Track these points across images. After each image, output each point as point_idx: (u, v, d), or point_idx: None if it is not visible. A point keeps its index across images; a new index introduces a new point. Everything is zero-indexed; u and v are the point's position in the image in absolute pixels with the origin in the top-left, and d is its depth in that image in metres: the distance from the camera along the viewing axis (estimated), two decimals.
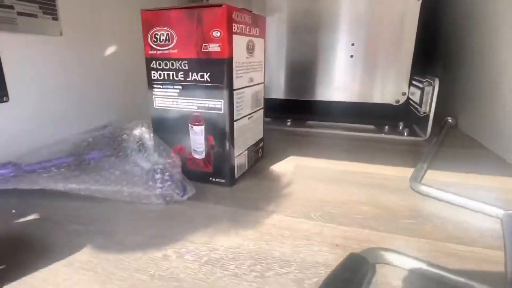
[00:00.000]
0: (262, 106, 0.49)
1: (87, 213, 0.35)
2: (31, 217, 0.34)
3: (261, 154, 0.51)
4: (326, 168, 0.49)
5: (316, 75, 0.78)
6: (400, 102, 0.74)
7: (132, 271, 0.26)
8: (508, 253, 0.27)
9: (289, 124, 0.75)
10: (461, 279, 0.23)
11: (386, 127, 0.70)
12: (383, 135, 0.67)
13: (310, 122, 0.76)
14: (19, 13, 0.46)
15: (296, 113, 0.80)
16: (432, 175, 0.45)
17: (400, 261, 0.26)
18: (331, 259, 0.27)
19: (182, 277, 0.25)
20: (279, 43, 0.78)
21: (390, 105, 0.74)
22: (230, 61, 0.37)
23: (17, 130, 0.47)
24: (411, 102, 0.71)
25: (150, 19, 0.38)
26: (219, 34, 0.36)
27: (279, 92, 0.82)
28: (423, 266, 0.25)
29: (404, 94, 0.73)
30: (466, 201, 0.36)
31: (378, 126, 0.72)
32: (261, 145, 0.50)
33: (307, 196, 0.39)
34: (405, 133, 0.66)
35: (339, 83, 0.77)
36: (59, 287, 0.24)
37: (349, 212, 0.35)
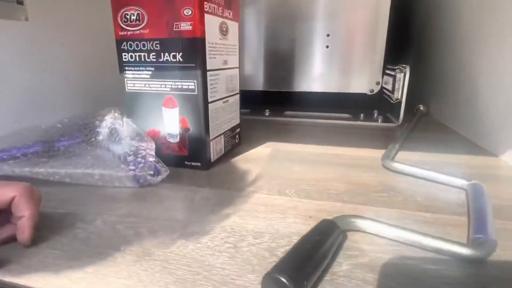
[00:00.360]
0: (238, 91, 0.49)
1: (57, 197, 0.33)
2: None
3: (238, 140, 0.51)
4: (301, 151, 0.49)
5: (294, 66, 0.79)
6: (375, 92, 0.76)
7: (102, 248, 0.25)
8: (471, 216, 0.28)
9: (267, 114, 0.75)
10: (428, 239, 0.24)
11: (362, 115, 0.71)
12: (358, 123, 0.68)
13: (288, 112, 0.77)
14: None
15: (274, 104, 0.81)
16: (403, 155, 0.47)
17: (370, 227, 0.26)
18: (304, 229, 0.27)
19: (153, 251, 0.24)
20: (258, 35, 0.79)
21: (365, 94, 0.76)
22: (202, 40, 0.37)
23: None
24: (385, 90, 0.73)
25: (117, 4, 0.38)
26: (190, 12, 0.35)
27: (258, 83, 0.82)
28: (392, 230, 0.25)
29: (378, 83, 0.75)
30: (434, 175, 0.37)
31: (354, 114, 0.73)
32: (238, 130, 0.50)
33: (282, 175, 0.39)
34: (379, 120, 0.67)
35: (315, 74, 0.78)
36: (27, 266, 0.23)
37: (323, 188, 0.35)
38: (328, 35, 0.75)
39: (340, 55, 0.75)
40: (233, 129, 0.48)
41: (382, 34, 0.72)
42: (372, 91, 0.76)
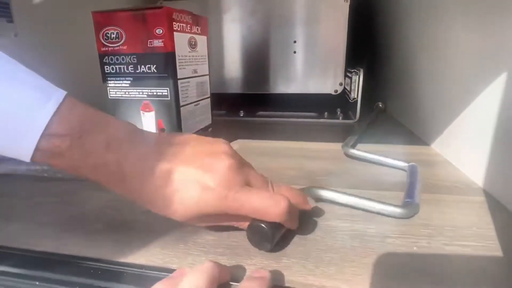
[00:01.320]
0: (209, 95, 0.56)
1: (52, 191, 0.39)
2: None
3: None
4: (267, 146, 0.56)
5: (266, 70, 0.86)
6: (338, 92, 0.84)
7: (92, 222, 0.31)
8: (405, 187, 0.36)
9: (241, 115, 0.82)
10: (371, 203, 0.32)
11: (326, 113, 0.79)
12: (322, 120, 0.76)
13: (261, 113, 0.84)
14: None
15: (249, 105, 0.88)
16: (358, 146, 0.54)
17: (327, 195, 0.34)
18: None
19: (132, 226, 0.31)
20: (232, 41, 0.86)
21: (329, 94, 0.84)
22: (172, 54, 0.44)
23: None
24: (346, 91, 0.82)
25: (101, 20, 0.44)
26: (161, 31, 0.42)
27: (233, 86, 0.89)
28: (344, 197, 0.33)
29: (341, 84, 0.83)
30: (382, 159, 0.45)
31: (320, 113, 0.81)
32: (209, 130, 0.57)
33: None
34: (340, 117, 0.75)
35: (286, 77, 0.86)
36: (30, 238, 0.29)
37: (277, 174, 0.43)
38: (295, 42, 0.83)
39: (306, 59, 0.83)
40: (205, 129, 0.55)
41: (343, 40, 0.80)
42: (336, 91, 0.84)
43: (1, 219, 0.33)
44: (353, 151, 0.48)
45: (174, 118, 0.46)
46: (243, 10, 0.85)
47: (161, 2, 0.88)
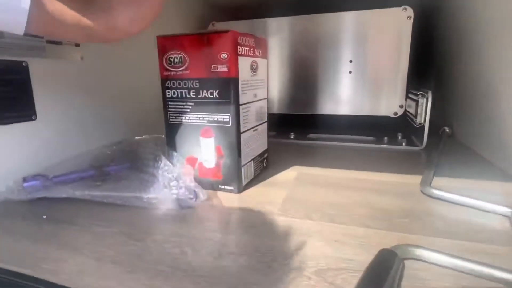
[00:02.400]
0: (266, 120, 0.53)
1: (110, 217, 0.39)
2: (61, 222, 0.38)
3: (266, 164, 0.55)
4: (326, 175, 0.52)
5: (318, 91, 0.83)
6: (398, 114, 0.78)
7: (153, 263, 0.29)
8: None
9: (292, 137, 0.79)
10: (484, 268, 0.26)
11: (385, 138, 0.73)
12: (382, 146, 0.70)
13: (312, 135, 0.80)
14: (48, 41, 0.52)
15: (299, 126, 0.84)
16: (438, 181, 0.47)
17: (428, 256, 0.28)
18: (330, 252, 0.30)
19: (198, 268, 0.28)
20: (282, 61, 0.84)
21: (388, 117, 0.78)
22: (236, 80, 0.42)
23: (43, 145, 0.52)
24: (408, 114, 0.75)
25: (165, 44, 0.43)
26: (226, 56, 0.41)
27: (283, 107, 0.87)
28: (450, 260, 0.27)
29: (401, 106, 0.77)
30: (475, 202, 0.38)
31: (378, 137, 0.75)
32: (266, 155, 0.54)
33: (308, 199, 0.42)
34: (403, 143, 0.69)
35: (339, 97, 0.81)
36: (90, 277, 0.27)
37: (346, 213, 0.38)
38: (351, 61, 0.79)
39: (363, 80, 0.79)
40: (261, 154, 0.52)
41: (404, 58, 0.75)
42: (396, 114, 0.78)
43: (63, 250, 0.32)
44: (437, 192, 0.41)
45: (234, 145, 0.43)
46: (294, 28, 0.82)
47: (213, 24, 0.89)
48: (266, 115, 0.53)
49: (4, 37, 0.46)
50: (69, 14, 0.28)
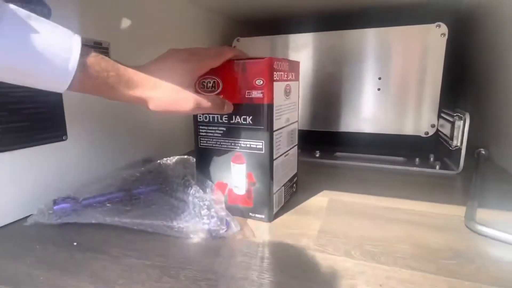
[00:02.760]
0: (296, 143, 0.52)
1: (142, 247, 0.38)
2: (91, 250, 0.37)
3: (295, 189, 0.53)
4: (359, 203, 0.50)
5: (344, 107, 0.81)
6: (430, 134, 0.74)
7: None
8: None
9: (317, 155, 0.77)
10: None
11: (417, 159, 0.70)
12: (414, 168, 0.67)
13: (338, 154, 0.78)
14: None
15: (324, 144, 0.82)
16: (482, 214, 0.44)
17: None
18: None
19: None
20: (307, 77, 0.82)
21: (419, 137, 0.75)
22: (271, 106, 0.40)
23: (73, 165, 0.52)
24: (441, 134, 0.72)
25: None
26: (261, 82, 0.39)
27: (307, 123, 0.85)
28: None
29: (433, 126, 0.74)
30: None
31: (408, 158, 0.72)
32: (295, 180, 0.52)
33: (344, 232, 0.40)
34: (437, 166, 0.66)
35: (366, 115, 0.79)
36: None
37: (389, 251, 0.36)
38: (379, 78, 0.76)
39: (392, 98, 0.76)
40: (291, 179, 0.51)
41: (437, 77, 0.72)
42: (427, 133, 0.74)
43: (95, 285, 0.31)
44: (485, 230, 0.38)
45: (267, 172, 0.42)
46: (320, 44, 0.81)
47: (238, 39, 0.89)
48: (296, 138, 0.52)
49: None
50: (109, 85, 0.31)
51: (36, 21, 0.27)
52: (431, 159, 0.71)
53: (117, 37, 0.59)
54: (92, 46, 0.54)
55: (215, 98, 0.39)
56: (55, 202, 0.44)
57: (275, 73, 0.40)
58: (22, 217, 0.44)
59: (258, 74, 0.39)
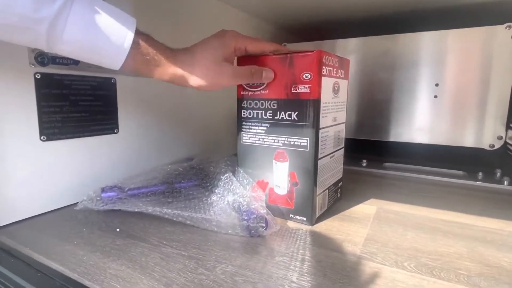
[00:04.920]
0: (343, 145, 0.49)
1: (180, 238, 0.37)
2: (132, 237, 0.38)
3: (340, 195, 0.50)
4: (413, 214, 0.45)
5: (394, 116, 0.76)
6: (496, 147, 0.66)
7: None
8: None
9: (364, 165, 0.72)
10: None
11: (480, 174, 0.62)
12: (477, 183, 0.60)
13: (388, 164, 0.72)
14: None
15: (371, 153, 0.77)
16: None
17: None
18: None
19: None
20: (355, 83, 0.79)
21: (482, 149, 0.67)
22: (318, 101, 0.38)
23: (121, 157, 0.54)
24: (510, 147, 0.64)
25: (245, 64, 0.42)
26: (309, 76, 0.38)
27: (354, 131, 0.81)
28: None
29: (500, 138, 0.66)
30: None
31: (469, 172, 0.65)
32: (340, 185, 0.49)
33: (395, 243, 0.36)
34: (505, 182, 0.58)
35: (421, 124, 0.73)
36: None
37: (449, 267, 0.31)
38: (437, 85, 0.70)
39: (451, 106, 0.69)
40: (336, 184, 0.48)
41: (505, 82, 0.64)
42: (492, 146, 0.67)
43: (133, 269, 0.31)
44: None
45: (311, 171, 0.40)
46: (371, 49, 0.77)
47: (285, 45, 0.89)
48: (343, 140, 0.49)
49: None
50: (156, 61, 0.34)
51: (99, 4, 0.30)
52: (498, 174, 0.63)
53: (169, 37, 0.61)
54: None
55: (252, 67, 0.39)
56: (103, 190, 0.46)
57: (323, 67, 0.39)
58: (74, 202, 0.46)
59: (305, 68, 0.38)
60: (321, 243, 0.36)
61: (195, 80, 0.36)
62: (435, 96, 0.71)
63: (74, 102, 0.47)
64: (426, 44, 0.71)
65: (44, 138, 0.43)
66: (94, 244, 0.36)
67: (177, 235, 0.38)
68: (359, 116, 0.80)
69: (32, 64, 0.42)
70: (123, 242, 0.37)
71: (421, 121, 0.73)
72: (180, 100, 0.66)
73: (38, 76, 0.42)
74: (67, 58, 0.45)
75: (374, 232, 0.39)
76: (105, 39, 0.30)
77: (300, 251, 0.35)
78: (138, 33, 0.32)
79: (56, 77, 0.44)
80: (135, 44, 0.31)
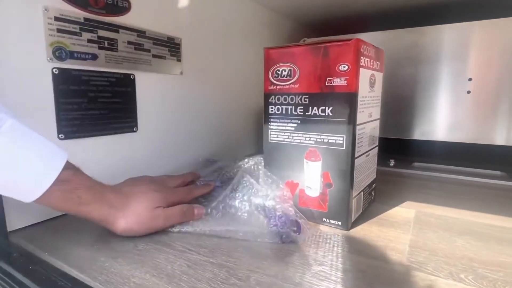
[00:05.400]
0: (377, 144, 0.45)
1: (205, 244, 0.35)
2: (155, 242, 0.35)
3: (374, 197, 0.46)
4: (455, 218, 0.41)
5: (422, 113, 0.71)
6: None
7: None
8: None
9: (392, 164, 0.68)
10: None
11: None
12: None
13: (417, 164, 0.68)
14: (154, 56, 0.53)
15: (398, 152, 0.73)
16: None
17: None
18: None
19: None
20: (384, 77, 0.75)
21: None
22: (355, 95, 0.35)
23: (141, 157, 0.52)
24: None
25: (274, 56, 0.40)
26: (346, 67, 0.35)
27: (380, 129, 0.77)
28: None
29: None
30: None
31: (509, 172, 0.60)
32: (374, 186, 0.46)
33: (445, 251, 0.33)
34: None
35: (452, 121, 0.69)
36: None
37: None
38: (470, 79, 0.66)
39: (486, 101, 0.65)
40: (370, 185, 0.44)
41: None
42: None
43: (159, 278, 0.28)
44: None
45: (347, 172, 0.36)
46: (397, 43, 0.73)
47: (304, 40, 0.85)
48: (377, 138, 0.45)
49: (118, 51, 0.47)
50: (80, 199, 0.31)
51: (27, 138, 0.29)
52: None
53: (188, 34, 0.59)
54: (165, 41, 0.55)
55: (183, 206, 0.38)
56: None
57: (361, 58, 0.35)
58: None
59: (342, 59, 0.35)
60: (361, 250, 0.33)
61: (123, 226, 0.34)
62: (468, 92, 0.66)
63: (93, 99, 0.45)
64: (456, 36, 0.66)
65: (62, 136, 0.41)
66: (116, 249, 0.34)
67: (203, 241, 0.35)
68: (385, 113, 0.76)
69: (50, 59, 0.40)
70: (145, 247, 0.34)
71: (453, 118, 0.68)
72: (200, 99, 0.64)
73: (56, 71, 0.40)
74: (85, 53, 0.43)
75: (418, 238, 0.36)
76: (22, 176, 0.28)
77: (339, 259, 0.31)
78: (65, 168, 0.30)
79: (74, 72, 0.42)
80: (58, 181, 0.29)
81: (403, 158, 0.70)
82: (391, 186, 0.55)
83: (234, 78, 0.72)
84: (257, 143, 0.80)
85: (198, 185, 0.47)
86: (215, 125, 0.68)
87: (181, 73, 0.59)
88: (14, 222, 0.38)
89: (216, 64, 0.67)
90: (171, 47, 0.56)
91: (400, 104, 0.74)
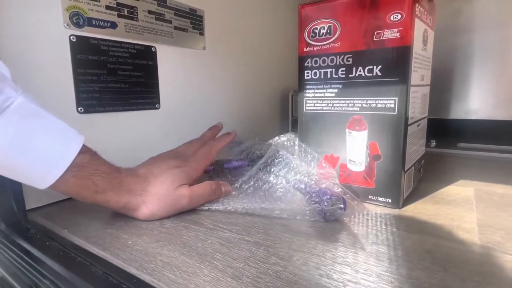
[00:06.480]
0: (427, 114, 0.40)
1: (237, 221, 0.31)
2: (182, 219, 0.32)
3: (422, 174, 0.41)
4: None
5: (470, 89, 0.65)
6: None
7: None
8: None
9: (433, 145, 0.62)
10: None
11: None
12: None
13: (463, 144, 0.62)
14: (175, 27, 0.50)
15: (438, 133, 0.67)
16: None
17: None
18: None
19: None
20: None
21: None
22: (409, 49, 0.30)
23: (163, 135, 0.49)
24: None
25: (311, 13, 0.35)
26: (399, 17, 0.30)
27: None
28: None
29: None
30: None
31: None
32: (422, 162, 0.41)
33: None
34: None
35: (501, 97, 0.61)
36: None
37: None
38: None
39: None
40: (419, 160, 0.39)
41: None
42: None
43: (190, 257, 0.24)
44: None
45: (400, 141, 0.32)
46: (441, 10, 0.66)
47: None
48: (427, 107, 0.40)
49: (138, 20, 0.44)
50: (97, 187, 0.28)
51: (38, 119, 0.26)
52: None
53: (210, 6, 0.55)
54: (187, 12, 0.51)
55: (211, 184, 0.35)
56: None
57: (417, 5, 0.30)
58: None
59: (394, 6, 0.30)
60: (421, 229, 0.28)
61: (145, 213, 0.31)
62: None
63: (113, 71, 0.42)
64: (505, 0, 0.59)
65: (81, 109, 0.39)
66: (139, 226, 0.30)
67: (235, 218, 0.32)
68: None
69: (67, 25, 0.37)
70: (172, 225, 0.31)
71: (502, 94, 0.61)
72: (223, 76, 0.60)
73: (73, 39, 0.37)
74: (104, 20, 0.40)
75: (485, 217, 0.30)
76: (32, 161, 0.25)
77: (396, 238, 0.27)
78: (81, 153, 0.27)
79: (92, 41, 0.39)
80: (72, 167, 0.26)
81: (443, 139, 0.64)
82: (439, 165, 0.49)
83: (259, 56, 0.68)
84: (281, 125, 0.75)
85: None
86: (238, 104, 0.64)
87: (204, 48, 0.55)
88: (32, 201, 0.36)
89: (240, 39, 0.63)
90: (193, 19, 0.53)
91: (441, 80, 0.67)
